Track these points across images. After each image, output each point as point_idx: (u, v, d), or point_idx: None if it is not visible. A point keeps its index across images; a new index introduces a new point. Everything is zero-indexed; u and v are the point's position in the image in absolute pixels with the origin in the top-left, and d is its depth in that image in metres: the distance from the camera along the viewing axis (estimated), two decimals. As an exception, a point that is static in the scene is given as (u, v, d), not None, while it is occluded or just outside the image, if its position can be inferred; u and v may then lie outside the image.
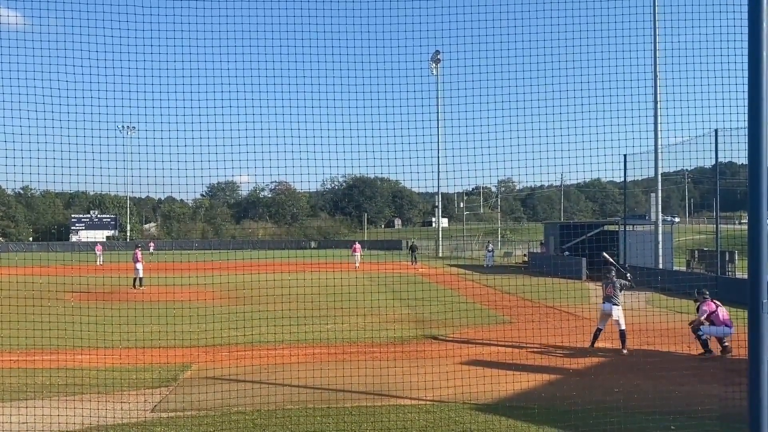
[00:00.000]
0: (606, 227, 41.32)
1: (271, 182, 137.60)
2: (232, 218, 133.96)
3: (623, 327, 13.51)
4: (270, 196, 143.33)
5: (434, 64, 60.95)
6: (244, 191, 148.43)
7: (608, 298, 13.59)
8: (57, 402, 9.40)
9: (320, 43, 10.08)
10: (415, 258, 48.61)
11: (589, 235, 35.75)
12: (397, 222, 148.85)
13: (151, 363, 12.22)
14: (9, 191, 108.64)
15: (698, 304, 13.77)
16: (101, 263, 47.35)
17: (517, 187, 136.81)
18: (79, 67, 9.77)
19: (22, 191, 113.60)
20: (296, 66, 10.45)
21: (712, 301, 13.57)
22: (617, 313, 13.45)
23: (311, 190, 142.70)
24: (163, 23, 9.88)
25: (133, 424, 8.55)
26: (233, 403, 9.31)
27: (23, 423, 8.32)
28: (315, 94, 10.18)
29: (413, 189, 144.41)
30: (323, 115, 10.56)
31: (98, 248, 51.08)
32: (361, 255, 43.79)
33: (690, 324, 13.95)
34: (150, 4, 9.67)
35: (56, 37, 10.01)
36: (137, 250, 28.38)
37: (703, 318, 13.31)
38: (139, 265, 27.50)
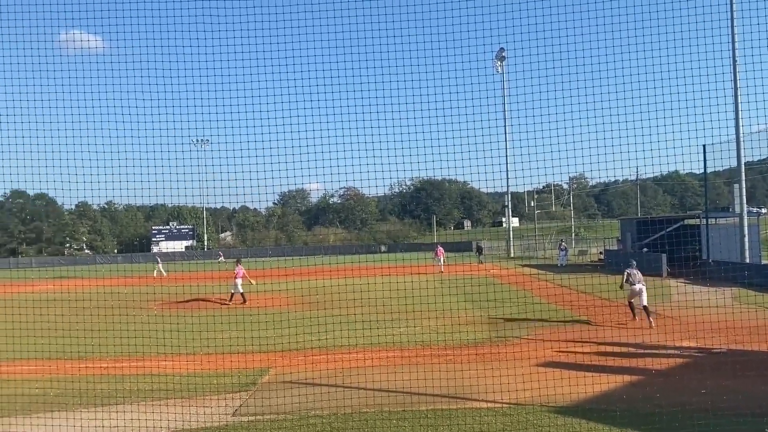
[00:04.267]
0: (686, 221, 39.58)
1: (340, 188, 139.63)
2: (304, 225, 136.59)
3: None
4: (339, 202, 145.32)
5: (499, 62, 60.16)
6: (314, 198, 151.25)
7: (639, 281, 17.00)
8: (144, 406, 9.83)
9: (383, 48, 10.15)
10: (482, 259, 47.97)
11: (668, 230, 34.35)
12: (467, 223, 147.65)
13: (231, 368, 12.59)
14: (94, 206, 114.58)
15: None
16: (160, 274, 48.38)
17: (590, 183, 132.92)
18: (154, 85, 10.24)
19: (106, 206, 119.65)
20: (360, 72, 10.55)
21: None
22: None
23: (379, 195, 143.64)
24: (231, 45, 10.20)
25: (215, 427, 8.83)
26: (310, 407, 9.47)
27: (114, 427, 8.75)
28: (380, 99, 10.26)
29: (482, 189, 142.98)
30: (389, 120, 10.63)
31: (158, 259, 52.62)
32: (444, 258, 42.98)
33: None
34: (218, 28, 10.01)
35: (132, 58, 10.55)
36: (239, 267, 26.68)
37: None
38: (239, 281, 26.01)
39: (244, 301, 25.02)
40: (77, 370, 13.04)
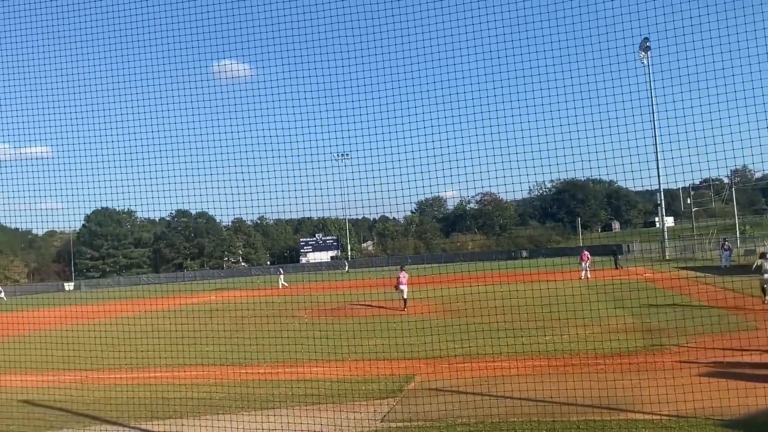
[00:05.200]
0: None
1: (477, 194, 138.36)
2: (441, 232, 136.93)
3: None
4: (476, 207, 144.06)
5: (643, 53, 56.80)
6: (450, 205, 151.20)
7: None
8: (298, 410, 10.35)
9: (517, 44, 9.96)
10: (618, 263, 45.27)
11: None
12: (615, 225, 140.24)
13: (378, 374, 12.91)
14: (248, 222, 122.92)
15: None
16: (284, 286, 50.64)
17: (756, 176, 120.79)
18: (297, 107, 10.84)
19: (258, 221, 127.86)
20: (493, 70, 10.42)
21: None
22: None
23: (518, 199, 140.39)
24: (367, 66, 10.54)
25: (365, 432, 9.10)
26: (457, 414, 9.46)
27: (272, 430, 9.29)
28: (514, 95, 10.06)
29: (630, 188, 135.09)
30: (524, 122, 10.39)
31: (280, 271, 55.69)
32: (590, 263, 40.50)
33: None
34: (354, 48, 10.37)
35: (278, 83, 11.22)
36: (402, 273, 26.90)
37: None
38: (404, 287, 26.45)
39: (405, 308, 25.48)
40: (238, 375, 14.02)
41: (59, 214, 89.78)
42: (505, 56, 9.92)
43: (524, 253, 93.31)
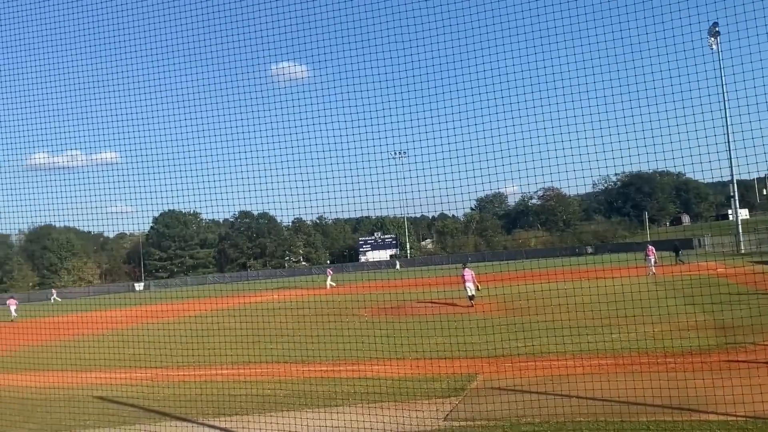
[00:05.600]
0: None
1: (539, 189, 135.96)
2: (503, 229, 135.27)
3: None
4: (539, 203, 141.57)
5: (712, 39, 54.45)
6: (511, 201, 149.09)
7: None
8: (360, 408, 10.41)
9: (582, 33, 9.70)
10: (680, 259, 43.48)
11: None
12: (685, 218, 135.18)
13: (439, 373, 12.84)
14: (308, 221, 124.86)
15: None
16: (331, 286, 51.14)
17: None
18: (353, 106, 10.88)
19: (318, 221, 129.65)
20: (552, 62, 10.17)
21: None
22: None
23: (581, 193, 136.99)
24: (423, 63, 10.50)
25: (428, 431, 9.06)
26: (520, 414, 9.30)
27: (335, 427, 9.37)
28: (575, 86, 9.79)
29: (700, 180, 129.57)
30: (586, 114, 10.09)
31: (329, 271, 56.35)
32: (656, 258, 39.26)
33: None
34: (410, 44, 10.34)
35: (334, 82, 11.32)
36: (465, 270, 26.96)
37: None
38: (469, 284, 26.43)
39: (472, 305, 25.39)
40: (301, 372, 14.24)
41: (129, 217, 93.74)
42: (564, 46, 9.67)
43: (589, 249, 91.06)
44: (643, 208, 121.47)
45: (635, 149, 9.49)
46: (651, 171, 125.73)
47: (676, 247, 46.81)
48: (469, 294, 26.06)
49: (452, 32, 9.98)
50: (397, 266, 64.09)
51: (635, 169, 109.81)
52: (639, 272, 34.77)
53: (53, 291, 69.43)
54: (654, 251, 39.21)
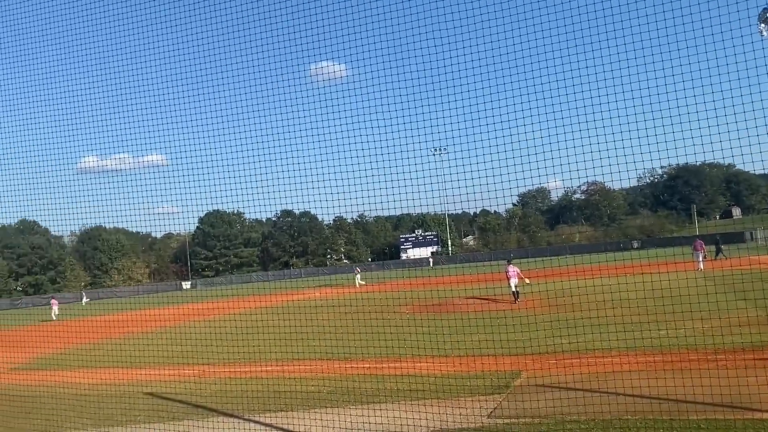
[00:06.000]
0: None
1: (582, 184, 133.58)
2: (546, 224, 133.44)
3: None
4: (583, 198, 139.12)
5: (763, 25, 52.60)
6: (554, 196, 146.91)
7: None
8: (404, 405, 10.44)
9: (625, 24, 9.49)
10: (722, 255, 42.07)
11: None
12: (736, 211, 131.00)
13: (483, 370, 12.78)
14: (349, 220, 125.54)
15: None
16: (360, 284, 51.05)
17: None
18: (393, 104, 10.91)
19: (359, 219, 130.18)
20: (594, 54, 9.98)
21: None
22: None
23: (626, 187, 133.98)
24: (462, 58, 10.45)
25: (472, 429, 9.03)
26: (566, 411, 9.18)
27: (378, 423, 9.43)
28: (617, 78, 9.57)
29: (752, 171, 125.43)
30: (629, 106, 9.87)
31: (356, 270, 56.29)
32: (705, 253, 38.30)
33: None
34: (446, 42, 10.30)
35: (373, 82, 11.35)
36: (510, 267, 26.88)
37: None
38: (513, 281, 26.41)
39: (515, 301, 25.23)
40: (344, 369, 14.36)
41: (175, 218, 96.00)
42: (606, 38, 9.49)
43: (635, 244, 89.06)
44: (691, 201, 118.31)
45: (681, 141, 9.25)
46: (699, 163, 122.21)
47: (717, 241, 45.48)
48: (513, 290, 25.87)
49: (491, 27, 9.89)
50: (431, 264, 63.61)
51: (682, 161, 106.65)
52: (687, 267, 33.87)
53: (83, 293, 70.86)
54: (703, 246, 38.15)
